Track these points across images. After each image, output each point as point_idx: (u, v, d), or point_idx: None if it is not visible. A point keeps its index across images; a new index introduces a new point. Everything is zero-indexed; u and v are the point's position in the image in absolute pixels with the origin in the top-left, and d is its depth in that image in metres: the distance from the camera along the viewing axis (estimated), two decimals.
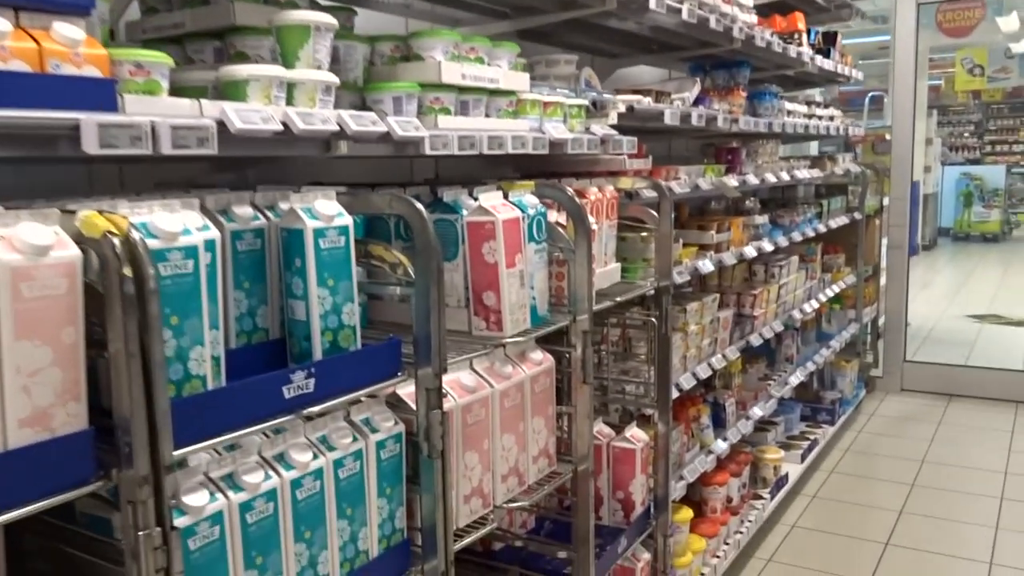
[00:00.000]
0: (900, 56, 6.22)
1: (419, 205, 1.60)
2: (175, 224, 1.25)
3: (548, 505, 2.65)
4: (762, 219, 4.19)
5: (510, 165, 2.91)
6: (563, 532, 2.46)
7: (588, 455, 2.25)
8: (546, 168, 2.84)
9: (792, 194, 5.77)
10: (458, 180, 2.22)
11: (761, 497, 4.14)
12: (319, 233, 1.55)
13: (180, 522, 1.23)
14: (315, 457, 1.47)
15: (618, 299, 2.48)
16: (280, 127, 1.47)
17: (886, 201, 6.46)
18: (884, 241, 6.49)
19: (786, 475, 4.42)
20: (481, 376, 2.00)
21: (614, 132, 2.65)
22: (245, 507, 1.34)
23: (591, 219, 2.41)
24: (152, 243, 1.21)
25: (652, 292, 2.80)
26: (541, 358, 2.15)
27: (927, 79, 13.91)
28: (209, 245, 1.38)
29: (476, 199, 2.00)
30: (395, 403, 1.74)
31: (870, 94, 15.95)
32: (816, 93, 5.55)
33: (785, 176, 4.32)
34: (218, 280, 1.40)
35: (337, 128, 1.60)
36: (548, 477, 2.19)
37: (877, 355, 6.57)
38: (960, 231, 15.68)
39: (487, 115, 2.20)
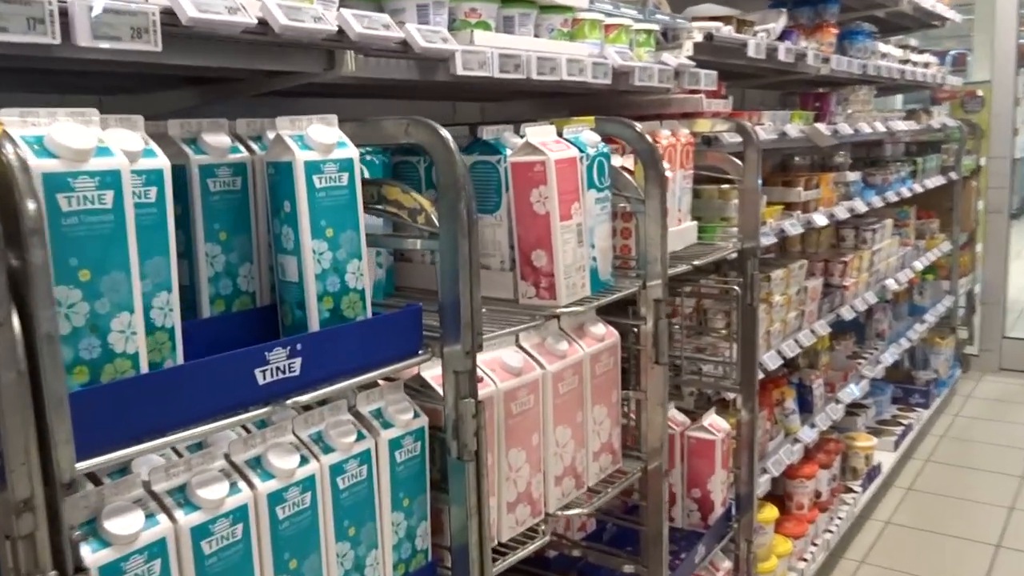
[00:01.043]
0: (1001, 2, 5.58)
1: (443, 131, 1.21)
2: (84, 140, 0.88)
3: (610, 504, 2.26)
4: (854, 176, 3.69)
5: (565, 110, 2.49)
6: (628, 537, 2.07)
7: (661, 450, 1.85)
8: (608, 112, 2.42)
9: (879, 152, 5.22)
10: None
11: (852, 490, 3.68)
12: (313, 168, 1.18)
13: (98, 558, 0.88)
14: (304, 462, 1.10)
15: (695, 263, 2.06)
16: (253, 21, 1.10)
17: (982, 161, 5.85)
18: (979, 205, 5.88)
19: (878, 465, 3.94)
20: (530, 355, 1.61)
21: (690, 63, 2.22)
22: (200, 532, 0.98)
23: (667, 166, 1.99)
24: (46, 164, 0.85)
25: (735, 255, 2.37)
26: (603, 332, 1.75)
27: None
28: (153, 178, 1.01)
29: (523, 136, 1.61)
30: (418, 389, 1.36)
31: (952, 52, 14.97)
32: (910, 39, 4.98)
33: (880, 127, 3.81)
34: (168, 226, 1.04)
35: (335, 29, 1.21)
36: (612, 477, 1.80)
37: (972, 331, 5.98)
38: None
39: (536, 36, 1.79)
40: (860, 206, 3.59)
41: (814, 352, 3.59)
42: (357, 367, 1.16)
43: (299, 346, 1.07)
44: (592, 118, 1.78)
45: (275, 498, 1.06)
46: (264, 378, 1.03)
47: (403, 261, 1.82)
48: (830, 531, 3.31)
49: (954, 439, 4.72)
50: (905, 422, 4.46)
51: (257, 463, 1.07)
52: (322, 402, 1.20)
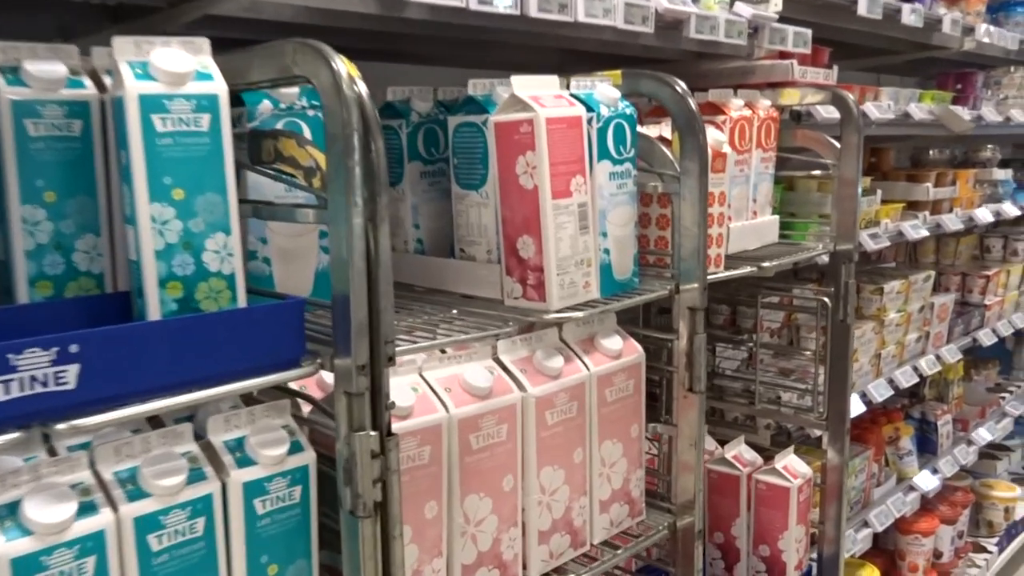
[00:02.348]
0: None
1: (337, 59, 0.86)
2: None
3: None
4: (1003, 174, 3.08)
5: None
6: None
7: (695, 503, 1.43)
8: None
9: None
10: None
11: (985, 550, 3.07)
12: (151, 104, 0.86)
13: None
14: (86, 512, 0.78)
15: (763, 264, 1.62)
16: None
17: None
18: None
19: (1021, 520, 3.29)
20: (508, 372, 1.24)
21: (772, 16, 1.78)
22: None
23: (722, 138, 1.57)
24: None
25: (826, 260, 1.90)
26: (620, 347, 1.36)
27: None
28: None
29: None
30: (327, 411, 1.02)
31: None
32: None
33: None
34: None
35: None
36: (627, 534, 1.40)
37: None
38: None
39: None
40: (1010, 210, 2.98)
41: (944, 383, 3.01)
42: (189, 380, 0.83)
43: (74, 347, 0.75)
44: (619, 71, 1.39)
45: (26, 567, 0.74)
46: (6, 392, 0.71)
47: None
48: None
49: None
50: None
51: (10, 512, 0.76)
52: (157, 424, 0.88)
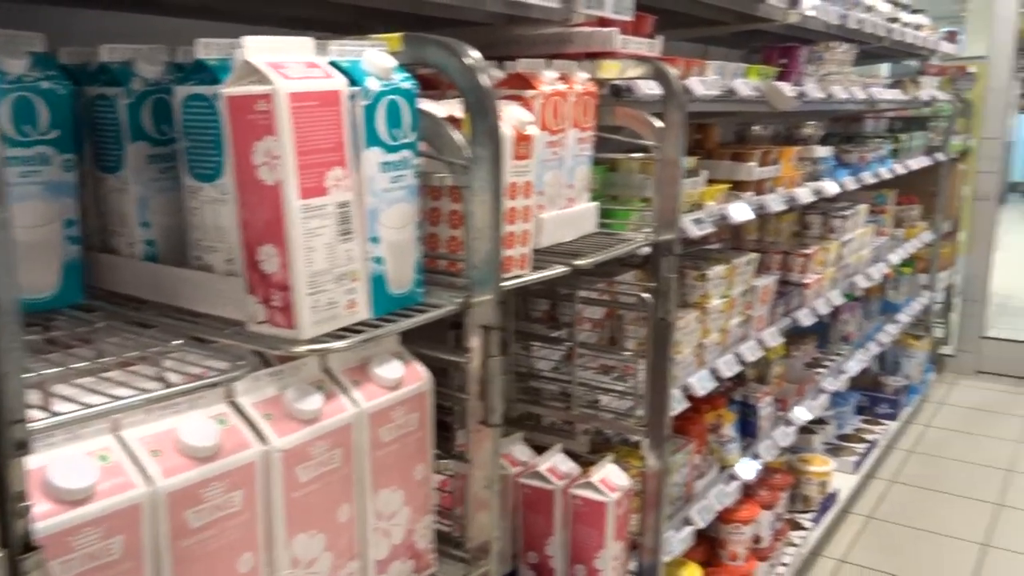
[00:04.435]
0: None
1: None
2: None
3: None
4: (825, 151, 3.06)
5: None
6: None
7: (490, 550, 1.22)
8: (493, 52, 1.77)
9: (858, 128, 4.59)
10: None
11: (801, 526, 3.10)
12: None
13: None
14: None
15: (576, 263, 1.41)
16: None
17: (971, 143, 5.25)
18: (964, 191, 5.29)
19: (835, 493, 3.37)
20: (248, 420, 0.97)
21: None
22: None
23: (528, 118, 1.34)
24: None
25: (648, 251, 1.73)
26: (400, 376, 1.11)
27: None
28: None
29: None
30: None
31: (942, 30, 14.34)
32: (909, 3, 4.33)
33: (860, 94, 3.17)
34: None
35: None
36: None
37: (950, 330, 5.42)
38: None
39: None
40: (830, 188, 2.96)
41: (765, 362, 2.98)
42: None
43: None
44: (398, 35, 1.13)
45: None
46: None
47: (106, 252, 1.17)
48: None
49: (923, 455, 4.16)
50: (869, 438, 3.88)
51: None
52: None
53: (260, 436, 0.96)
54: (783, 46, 2.86)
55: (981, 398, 4.95)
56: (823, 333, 3.72)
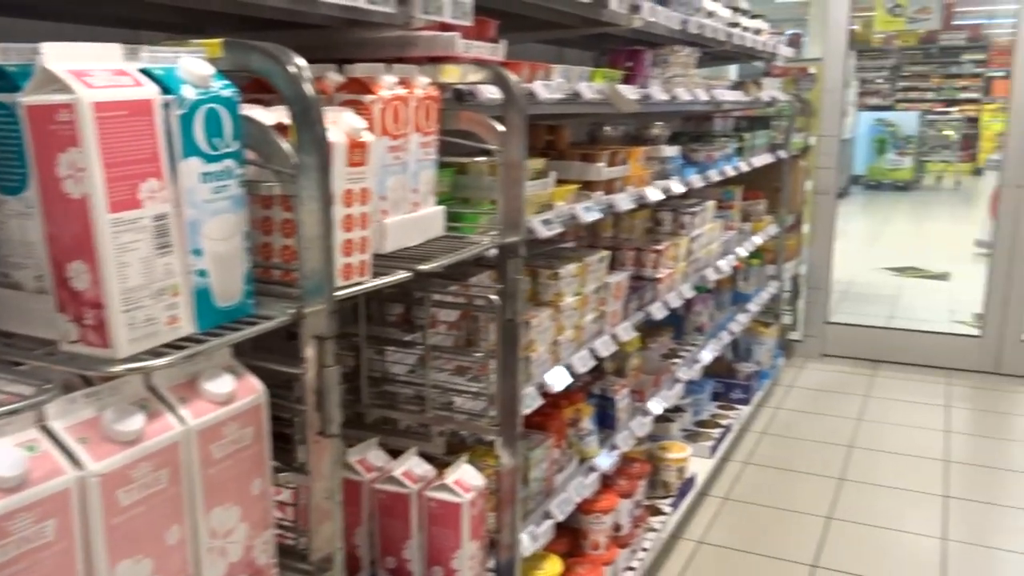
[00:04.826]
0: None
1: None
2: None
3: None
4: (672, 151, 3.19)
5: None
6: None
7: (334, 559, 1.21)
8: (315, 52, 1.75)
9: (707, 127, 4.81)
10: None
11: (660, 511, 3.22)
12: None
13: None
14: None
15: (420, 268, 1.42)
16: None
17: (811, 140, 5.59)
18: (807, 185, 5.63)
19: (692, 477, 3.52)
20: (61, 445, 0.92)
21: None
22: None
23: (360, 125, 1.33)
24: None
25: (495, 253, 1.76)
26: (231, 390, 1.09)
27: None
28: None
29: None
30: None
31: (787, 32, 15.18)
32: (741, 2, 4.55)
33: (703, 95, 3.32)
34: None
35: None
36: None
37: (797, 316, 5.76)
38: (872, 178, 15.22)
39: None
40: (677, 186, 3.09)
41: (623, 355, 3.08)
42: None
43: None
44: (219, 41, 1.10)
45: None
46: None
47: None
48: (632, 568, 2.82)
49: (774, 436, 4.40)
50: (724, 422, 4.08)
51: None
52: None
53: (75, 461, 0.92)
54: (630, 49, 2.96)
55: (826, 379, 5.29)
56: (678, 325, 3.87)
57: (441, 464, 1.83)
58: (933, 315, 6.69)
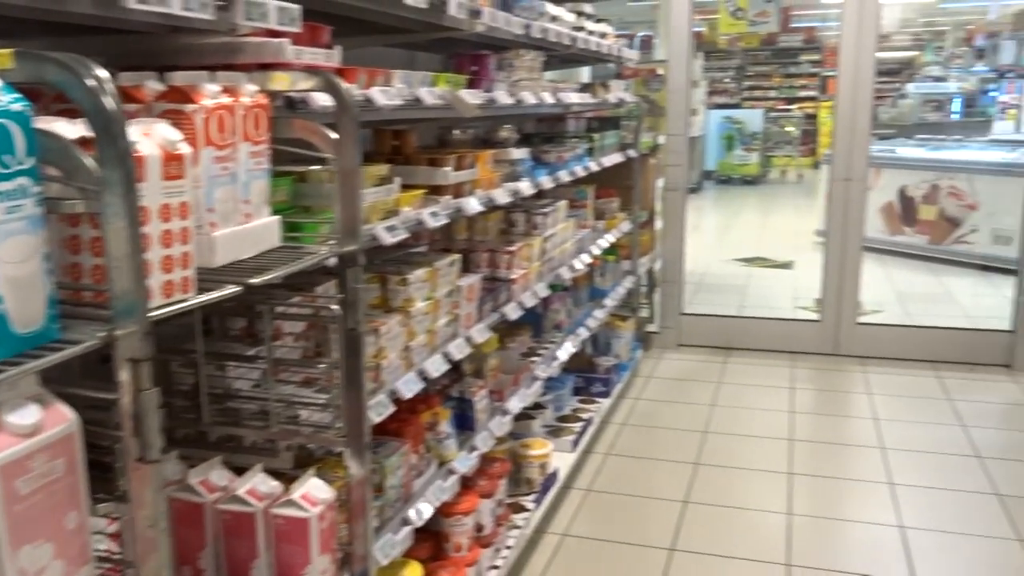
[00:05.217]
0: None
1: None
2: None
3: None
4: (520, 153, 3.24)
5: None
6: None
7: None
8: (139, 59, 1.68)
9: (561, 128, 4.92)
10: None
11: (524, 508, 3.27)
12: None
13: None
14: None
15: (250, 281, 1.39)
16: None
17: (660, 139, 5.81)
18: (658, 183, 5.85)
19: (555, 472, 3.59)
20: None
21: None
22: None
23: (175, 136, 1.29)
24: None
25: (335, 262, 1.74)
26: (37, 420, 1.03)
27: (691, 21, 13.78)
28: None
29: None
30: None
31: (640, 34, 15.73)
32: (586, 7, 4.68)
33: (549, 98, 3.39)
34: None
35: None
36: None
37: (653, 309, 5.98)
38: (723, 173, 15.98)
39: None
40: (527, 188, 3.15)
41: (481, 356, 3.11)
42: None
43: None
44: (8, 51, 1.03)
45: None
46: None
47: None
48: (496, 567, 2.86)
49: (634, 426, 4.56)
50: (585, 416, 4.18)
51: None
52: None
53: None
54: (475, 54, 2.99)
55: (682, 368, 5.51)
56: (537, 323, 3.94)
57: (290, 479, 1.79)
58: (779, 302, 7.09)
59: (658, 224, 5.92)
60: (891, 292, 7.34)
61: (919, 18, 19.10)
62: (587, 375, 4.59)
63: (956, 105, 14.35)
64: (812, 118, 17.46)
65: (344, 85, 1.65)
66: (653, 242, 5.87)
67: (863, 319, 5.76)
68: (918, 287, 7.63)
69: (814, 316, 5.81)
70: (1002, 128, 9.71)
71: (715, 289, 7.57)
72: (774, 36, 18.50)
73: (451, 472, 2.58)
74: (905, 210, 8.77)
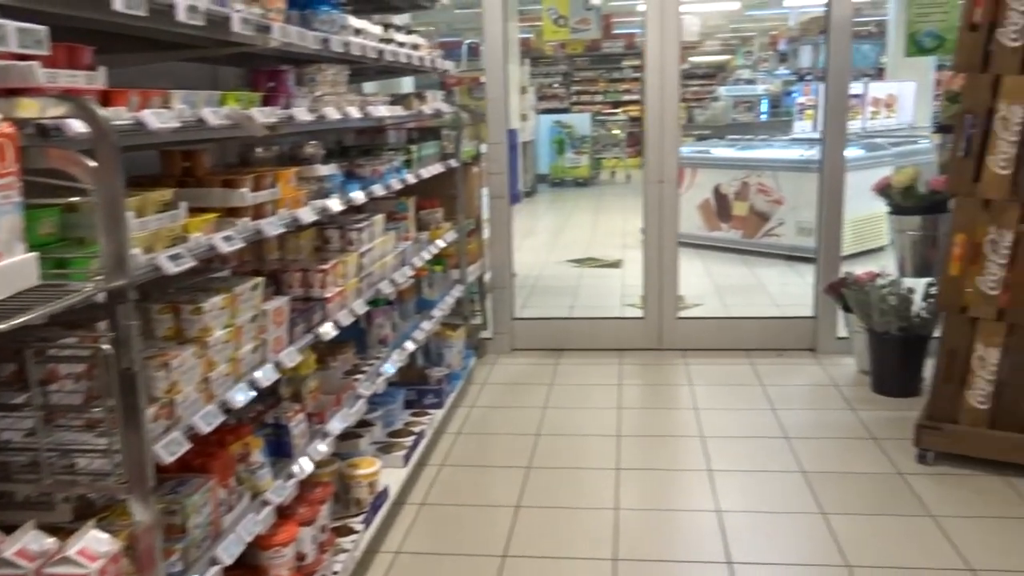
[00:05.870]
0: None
1: None
2: None
3: None
4: (328, 169, 3.17)
5: None
6: None
7: None
8: None
9: (381, 140, 4.88)
10: None
11: (352, 530, 3.21)
12: None
13: None
14: None
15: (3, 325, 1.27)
16: None
17: (483, 148, 5.88)
18: (484, 191, 5.92)
19: (386, 489, 3.54)
20: None
21: None
22: None
23: None
24: None
25: (104, 299, 1.63)
26: None
27: (518, 28, 14.09)
28: None
29: None
30: None
31: (467, 42, 15.89)
32: (395, 19, 4.66)
33: (356, 113, 3.34)
34: None
35: None
36: None
37: (486, 315, 6.04)
38: (556, 177, 16.39)
39: None
40: (335, 204, 3.09)
41: (298, 379, 3.02)
42: None
43: None
44: None
45: None
46: None
47: None
48: None
49: (468, 435, 4.57)
50: (417, 429, 4.16)
51: None
52: None
53: None
54: (272, 69, 2.90)
55: (516, 373, 5.59)
56: (361, 340, 3.88)
57: (69, 533, 1.67)
58: (609, 301, 7.34)
59: (486, 232, 5.98)
60: (711, 286, 7.75)
61: (729, 24, 20.35)
62: (419, 387, 4.57)
63: (764, 106, 15.42)
64: (637, 120, 18.23)
65: (99, 111, 1.55)
66: (482, 249, 5.93)
67: (684, 313, 6.05)
68: (734, 279, 8.10)
69: (639, 313, 6.05)
70: (801, 127, 10.48)
71: (548, 292, 7.74)
72: (597, 43, 19.19)
73: (265, 503, 2.48)
74: (720, 207, 9.30)
